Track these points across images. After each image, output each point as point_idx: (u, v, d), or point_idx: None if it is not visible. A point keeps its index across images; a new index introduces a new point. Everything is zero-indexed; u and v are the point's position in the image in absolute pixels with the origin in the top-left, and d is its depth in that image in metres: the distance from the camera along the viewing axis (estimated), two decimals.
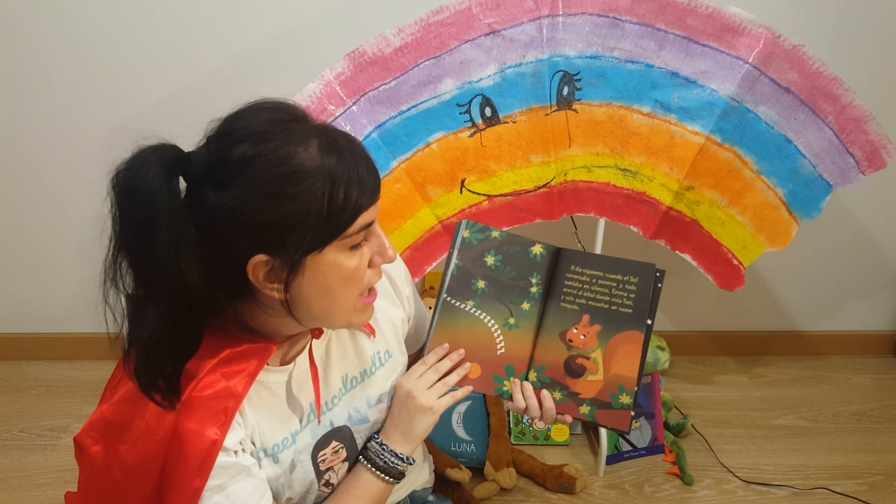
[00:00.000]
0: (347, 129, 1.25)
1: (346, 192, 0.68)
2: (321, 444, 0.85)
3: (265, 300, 0.73)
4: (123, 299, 0.66)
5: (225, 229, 0.66)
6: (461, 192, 1.32)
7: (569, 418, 0.92)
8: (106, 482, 0.74)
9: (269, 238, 0.67)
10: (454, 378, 0.91)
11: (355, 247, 0.72)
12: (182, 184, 0.67)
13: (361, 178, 0.69)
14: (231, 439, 0.73)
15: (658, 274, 0.94)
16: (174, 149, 0.66)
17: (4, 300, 1.81)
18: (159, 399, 0.69)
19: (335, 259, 0.71)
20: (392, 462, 0.87)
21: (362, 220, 0.70)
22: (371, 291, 0.79)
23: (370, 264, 0.76)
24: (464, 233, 0.96)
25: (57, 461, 1.51)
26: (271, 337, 0.78)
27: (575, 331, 0.94)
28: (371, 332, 0.91)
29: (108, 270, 0.65)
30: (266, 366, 0.79)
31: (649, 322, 0.93)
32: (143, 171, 0.62)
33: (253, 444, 0.78)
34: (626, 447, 1.52)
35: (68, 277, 1.77)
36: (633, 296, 0.94)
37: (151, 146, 0.65)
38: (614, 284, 0.94)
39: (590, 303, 0.95)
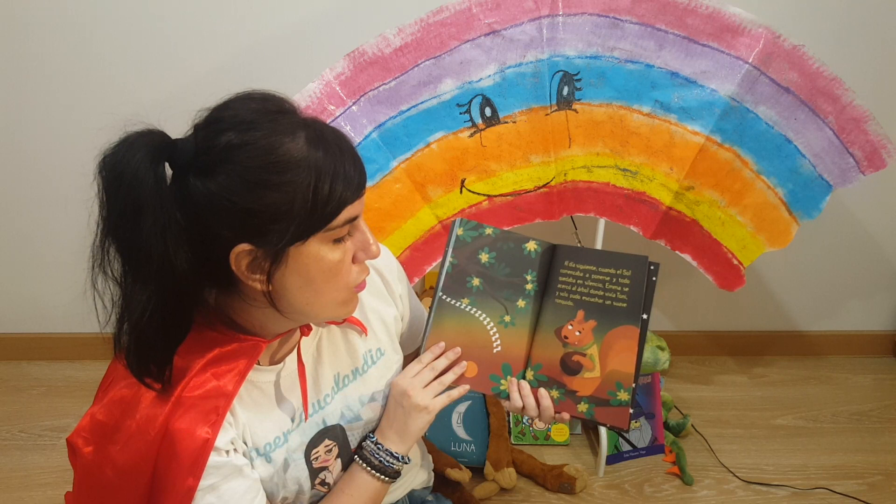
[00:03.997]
0: (347, 129, 1.25)
1: (332, 184, 0.68)
2: (314, 443, 0.84)
3: (250, 292, 0.73)
4: (112, 285, 0.66)
5: (209, 217, 0.66)
6: (461, 192, 1.32)
7: (567, 416, 0.91)
8: (98, 483, 0.74)
9: (252, 227, 0.67)
10: (450, 377, 0.90)
11: (339, 240, 0.72)
12: (169, 171, 0.67)
13: (347, 172, 0.69)
14: (222, 439, 0.73)
15: (652, 267, 0.93)
16: (161, 134, 0.66)
17: (4, 300, 1.81)
18: (150, 382, 0.70)
19: (318, 251, 0.71)
20: (387, 461, 0.87)
21: (347, 213, 0.70)
22: (362, 282, 0.78)
23: (354, 260, 0.76)
24: (458, 230, 0.96)
25: (57, 461, 1.51)
26: (260, 334, 0.78)
27: (570, 327, 0.94)
28: (363, 330, 0.90)
29: (96, 256, 0.65)
30: (256, 365, 0.79)
31: (644, 317, 0.91)
32: (129, 156, 0.62)
33: (245, 443, 0.78)
34: (626, 447, 1.52)
35: (68, 277, 1.76)
36: (626, 289, 0.92)
37: (138, 131, 0.65)
38: (608, 278, 0.93)
39: (584, 298, 0.94)
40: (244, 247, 0.67)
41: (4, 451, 1.54)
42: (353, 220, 0.72)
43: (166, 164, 0.66)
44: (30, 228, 1.72)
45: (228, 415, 0.75)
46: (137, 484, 0.72)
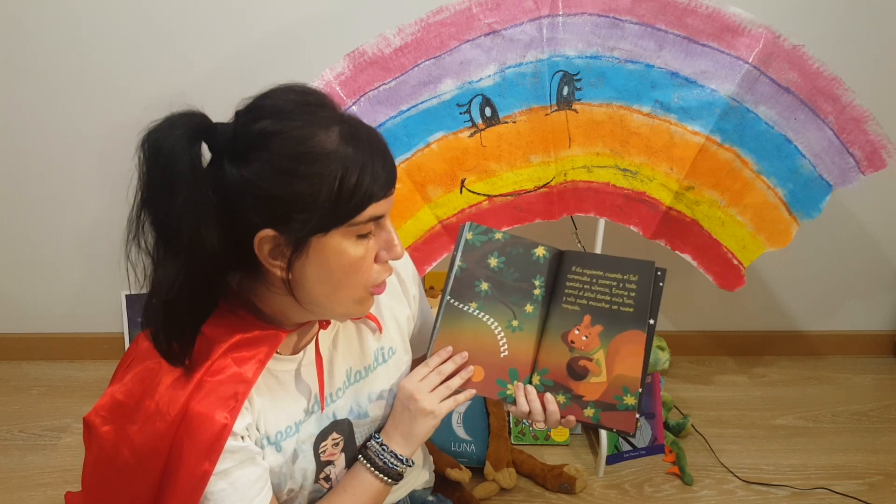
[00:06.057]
0: None
1: (359, 179, 0.69)
2: (323, 435, 0.85)
3: (272, 279, 0.74)
4: (144, 258, 0.69)
5: (238, 200, 0.68)
6: (461, 192, 1.32)
7: (573, 421, 0.91)
8: (114, 463, 0.74)
9: (278, 214, 0.68)
10: (457, 381, 0.90)
11: (362, 237, 0.73)
12: (208, 154, 0.70)
13: (376, 170, 0.70)
14: (240, 424, 0.74)
15: (659, 273, 0.93)
16: (201, 116, 0.68)
17: (4, 300, 1.81)
18: (173, 359, 0.72)
19: (340, 245, 0.72)
20: (391, 463, 0.87)
21: (372, 210, 0.71)
22: (384, 284, 0.80)
23: (377, 259, 0.77)
24: (467, 234, 0.96)
25: (57, 461, 1.51)
26: (280, 323, 0.79)
27: (576, 332, 0.94)
28: (378, 327, 0.91)
29: (131, 227, 0.67)
30: (277, 354, 0.80)
31: (651, 322, 0.92)
32: (169, 133, 0.65)
33: (258, 430, 0.79)
34: (626, 447, 1.52)
35: (68, 278, 1.77)
36: (633, 294, 0.93)
37: (180, 112, 0.67)
38: (614, 283, 0.94)
39: (590, 303, 0.94)
40: (268, 232, 0.69)
41: (4, 451, 1.54)
42: (378, 218, 0.73)
43: (205, 146, 0.68)
44: (30, 229, 1.72)
45: (246, 401, 0.76)
46: (153, 465, 0.73)
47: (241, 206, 0.68)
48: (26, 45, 1.53)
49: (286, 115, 0.69)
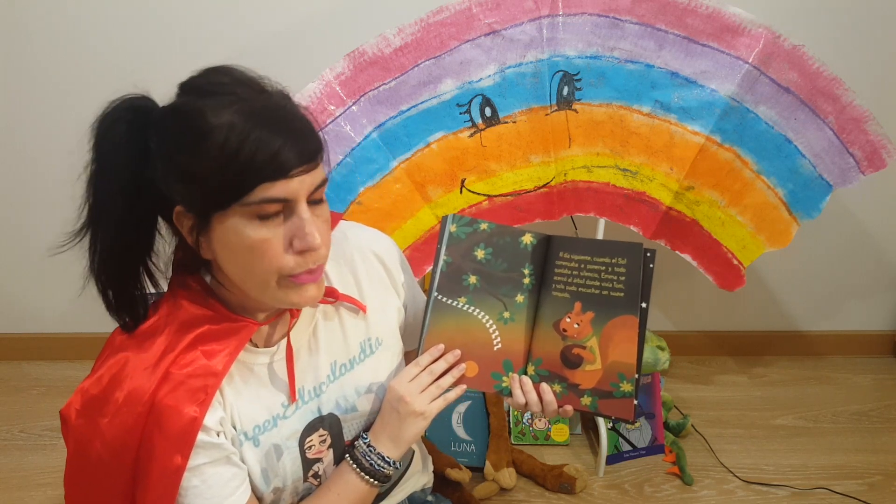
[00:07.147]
0: (347, 129, 1.25)
1: (249, 156, 0.66)
2: (308, 431, 0.84)
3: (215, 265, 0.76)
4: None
5: (155, 175, 0.71)
6: (461, 192, 1.32)
7: (570, 410, 0.90)
8: (87, 458, 0.74)
9: (181, 189, 0.70)
10: (448, 380, 0.89)
11: (264, 219, 0.70)
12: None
13: (273, 150, 0.67)
14: (211, 418, 0.74)
15: (648, 254, 0.90)
16: (141, 98, 0.72)
17: (4, 300, 1.81)
18: (120, 319, 0.76)
19: (237, 225, 0.69)
20: (378, 465, 0.86)
21: (267, 191, 0.68)
22: (313, 272, 0.75)
23: (292, 248, 0.72)
24: (451, 227, 0.93)
25: (57, 461, 1.51)
26: (248, 314, 0.79)
27: (568, 320, 0.92)
28: (360, 307, 0.89)
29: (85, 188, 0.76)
30: (252, 346, 0.80)
31: (644, 305, 0.89)
32: (107, 111, 0.72)
33: (234, 427, 0.78)
34: (626, 447, 1.52)
35: (68, 278, 1.76)
36: (623, 279, 0.90)
37: (129, 94, 0.73)
38: (603, 268, 0.91)
39: (580, 289, 0.92)
40: (179, 208, 0.71)
41: (4, 451, 1.54)
42: (280, 201, 0.69)
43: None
44: (30, 229, 1.72)
45: (218, 394, 0.75)
46: (124, 459, 0.73)
47: (158, 180, 0.71)
48: (26, 45, 1.53)
49: (203, 94, 0.71)
